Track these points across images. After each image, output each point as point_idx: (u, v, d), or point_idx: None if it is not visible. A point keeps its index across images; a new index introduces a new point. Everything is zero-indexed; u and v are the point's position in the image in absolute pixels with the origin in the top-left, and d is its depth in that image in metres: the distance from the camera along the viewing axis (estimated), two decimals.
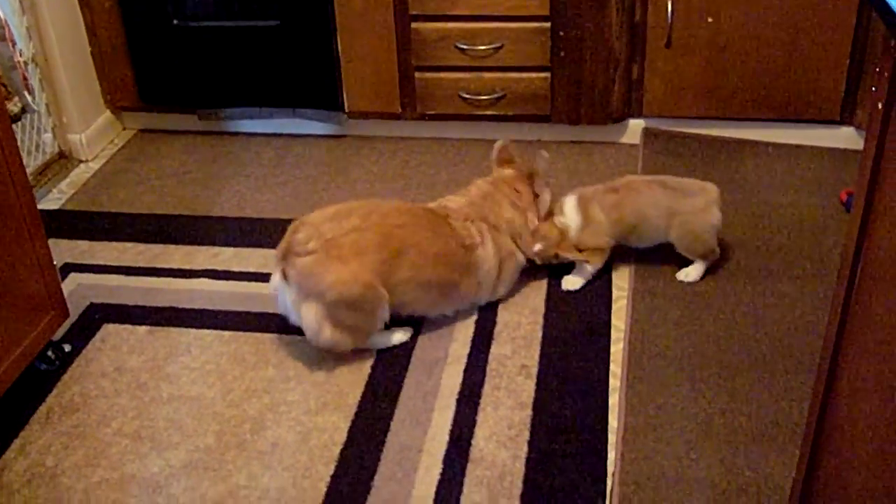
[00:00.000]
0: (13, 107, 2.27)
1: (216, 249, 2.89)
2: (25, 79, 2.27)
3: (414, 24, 3.17)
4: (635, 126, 3.32)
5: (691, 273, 2.61)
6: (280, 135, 3.56)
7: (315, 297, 2.25)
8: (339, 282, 2.22)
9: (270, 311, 2.59)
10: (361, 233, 2.28)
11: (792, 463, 1.98)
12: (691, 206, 2.55)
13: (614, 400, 2.23)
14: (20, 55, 2.22)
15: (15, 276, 2.21)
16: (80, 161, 3.46)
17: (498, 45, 3.14)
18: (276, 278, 2.32)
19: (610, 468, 2.04)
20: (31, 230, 2.26)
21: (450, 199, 2.58)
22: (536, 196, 2.60)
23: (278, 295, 2.34)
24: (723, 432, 2.09)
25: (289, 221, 2.94)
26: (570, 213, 2.59)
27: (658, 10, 3.05)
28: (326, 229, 2.26)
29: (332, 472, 2.07)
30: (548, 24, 3.10)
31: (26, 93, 2.28)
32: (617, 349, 2.39)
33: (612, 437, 2.13)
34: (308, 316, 2.27)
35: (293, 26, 3.25)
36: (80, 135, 3.44)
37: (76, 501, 2.05)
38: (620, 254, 2.74)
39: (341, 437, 2.16)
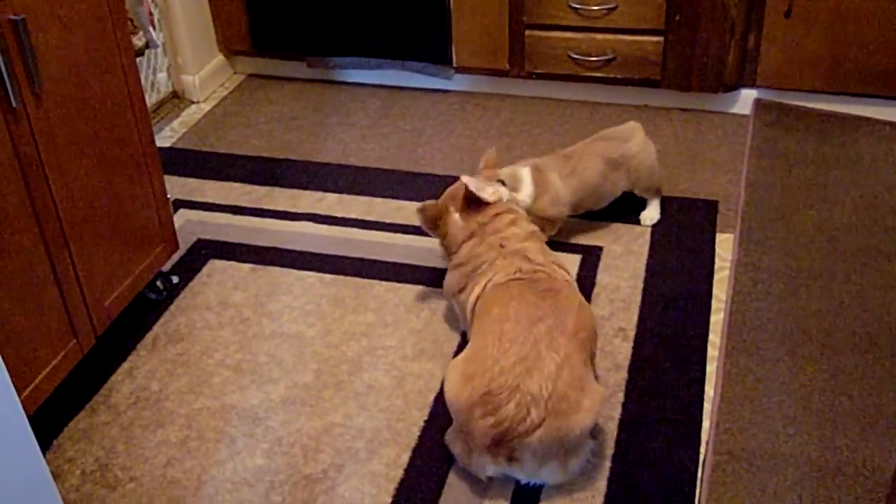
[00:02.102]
0: (137, 41, 2.33)
1: (320, 195, 2.94)
2: (151, 14, 2.33)
3: None
4: (747, 96, 3.24)
5: (652, 213, 2.74)
6: (387, 86, 3.58)
7: (561, 453, 1.88)
8: (583, 426, 1.86)
9: (371, 257, 2.63)
10: (568, 368, 1.86)
11: (893, 447, 1.94)
12: (637, 146, 2.67)
13: (712, 369, 2.21)
14: None
15: (132, 206, 2.29)
16: (192, 102, 3.55)
17: (612, 5, 3.10)
18: (491, 466, 1.89)
19: (704, 436, 2.03)
20: (149, 163, 2.34)
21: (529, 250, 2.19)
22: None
23: (491, 472, 1.93)
24: (822, 410, 2.06)
25: (393, 172, 3.01)
26: (525, 183, 2.51)
27: None
28: (534, 385, 1.82)
29: (425, 418, 2.11)
30: None
31: (151, 28, 2.34)
32: (717, 319, 2.37)
33: (707, 406, 2.11)
34: (554, 473, 1.90)
35: None
36: (194, 76, 3.51)
37: (178, 425, 2.13)
38: (723, 225, 2.71)
39: (436, 384, 2.19)
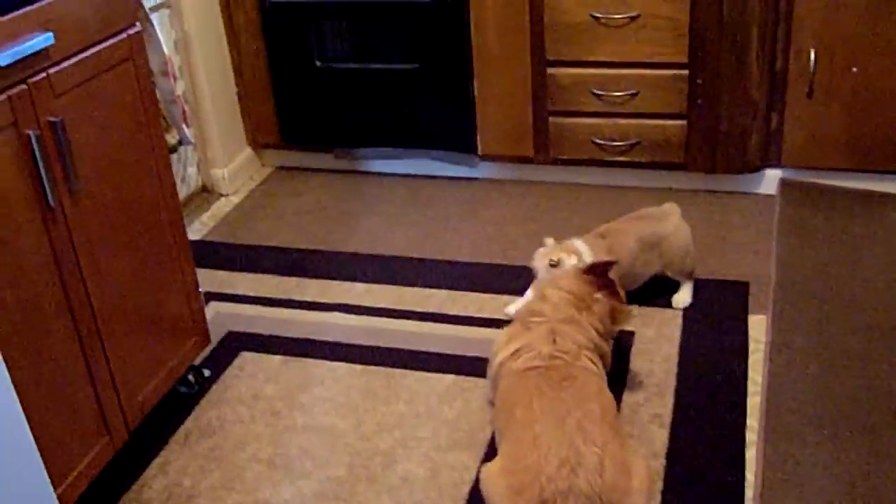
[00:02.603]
0: (171, 139, 2.39)
1: (349, 284, 2.96)
2: (184, 112, 2.39)
3: (550, 70, 3.20)
4: (772, 176, 3.25)
5: (684, 296, 2.73)
6: (413, 175, 3.63)
7: None
8: (642, 499, 1.85)
9: (401, 346, 2.63)
10: (609, 456, 1.84)
11: None
12: (672, 226, 2.69)
13: (751, 454, 2.17)
14: (180, 90, 2.33)
15: (164, 300, 2.31)
16: (222, 195, 3.60)
17: (634, 91, 3.14)
18: None
19: None
20: (182, 257, 2.36)
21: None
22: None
23: None
24: (867, 494, 2.01)
25: (421, 261, 3.03)
26: (586, 256, 2.55)
27: (800, 59, 3.00)
28: (584, 483, 1.80)
29: None
30: (686, 72, 3.08)
31: (185, 126, 2.39)
32: (753, 403, 2.33)
33: (748, 493, 2.07)
34: None
35: (432, 70, 3.32)
36: (223, 170, 3.58)
37: None
38: (755, 306, 2.69)
39: (471, 475, 2.17)
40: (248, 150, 3.74)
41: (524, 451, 1.88)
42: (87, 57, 1.95)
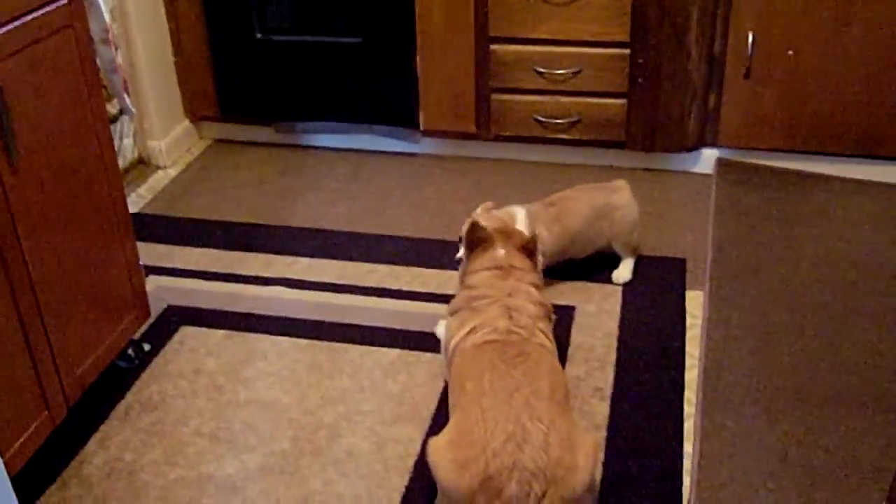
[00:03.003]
0: (111, 108, 2.34)
1: (291, 259, 2.94)
2: (125, 82, 2.34)
3: (493, 46, 3.21)
4: (709, 156, 3.32)
5: (624, 272, 2.77)
6: (354, 150, 3.61)
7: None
8: (584, 482, 1.85)
9: (345, 321, 2.63)
10: (555, 433, 1.86)
11: (873, 498, 1.96)
12: (623, 199, 2.75)
13: (689, 426, 2.23)
14: (120, 58, 2.28)
15: (105, 273, 2.27)
16: (159, 167, 3.54)
17: (576, 69, 3.17)
18: None
19: (685, 493, 2.04)
20: (123, 229, 2.33)
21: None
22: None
23: None
24: (800, 464, 2.08)
25: (363, 236, 3.03)
26: (520, 223, 2.58)
27: (738, 41, 3.06)
28: (528, 460, 1.82)
29: (406, 483, 2.09)
30: (627, 51, 3.12)
31: (126, 95, 2.34)
32: (691, 376, 2.39)
33: (686, 463, 2.12)
34: None
35: (375, 44, 3.30)
36: (160, 142, 3.52)
37: (153, 498, 2.09)
38: (692, 282, 2.75)
39: (415, 448, 2.18)
40: (186, 123, 3.68)
41: (471, 425, 1.90)
42: (26, 23, 1.90)
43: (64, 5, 2.01)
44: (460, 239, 2.47)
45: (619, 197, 2.74)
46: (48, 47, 1.97)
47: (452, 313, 2.26)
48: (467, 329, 2.14)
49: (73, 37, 2.05)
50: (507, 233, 2.35)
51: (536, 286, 2.26)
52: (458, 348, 2.13)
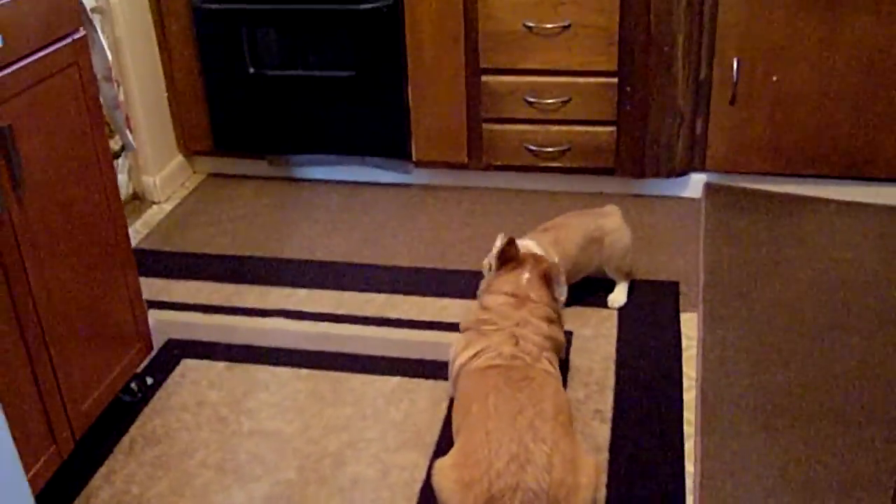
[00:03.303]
0: (113, 145, 2.37)
1: (289, 290, 2.97)
2: (128, 118, 2.37)
3: (484, 77, 3.27)
4: (697, 180, 3.38)
5: (619, 296, 2.81)
6: (347, 182, 3.65)
7: None
8: (589, 495, 1.92)
9: (345, 350, 2.65)
10: (558, 454, 1.90)
11: None
12: (614, 224, 2.79)
13: (690, 446, 2.26)
14: (122, 95, 2.32)
15: (109, 307, 2.29)
16: (153, 202, 3.57)
17: (566, 98, 3.23)
18: None
19: None
20: (125, 264, 2.35)
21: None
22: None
23: None
24: (800, 481, 2.11)
25: (359, 266, 3.06)
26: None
27: (724, 68, 3.12)
28: (531, 480, 1.85)
29: None
30: (615, 80, 3.18)
31: (128, 131, 2.38)
32: (690, 397, 2.43)
33: (689, 482, 2.15)
34: None
35: (367, 77, 3.35)
36: (155, 177, 3.54)
37: None
38: (686, 304, 2.79)
39: (420, 474, 2.20)
40: (180, 157, 3.72)
41: (475, 446, 1.93)
42: (33, 62, 1.93)
43: (69, 44, 2.04)
44: (489, 267, 2.51)
45: (610, 222, 2.79)
46: (54, 85, 2.01)
47: (463, 331, 2.31)
48: (473, 352, 2.17)
49: (78, 74, 2.08)
50: (537, 258, 2.41)
51: (550, 319, 2.31)
52: (463, 370, 2.16)
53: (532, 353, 2.16)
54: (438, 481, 1.96)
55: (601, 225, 2.76)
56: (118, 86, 2.24)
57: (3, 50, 1.84)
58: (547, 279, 2.38)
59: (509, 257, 2.40)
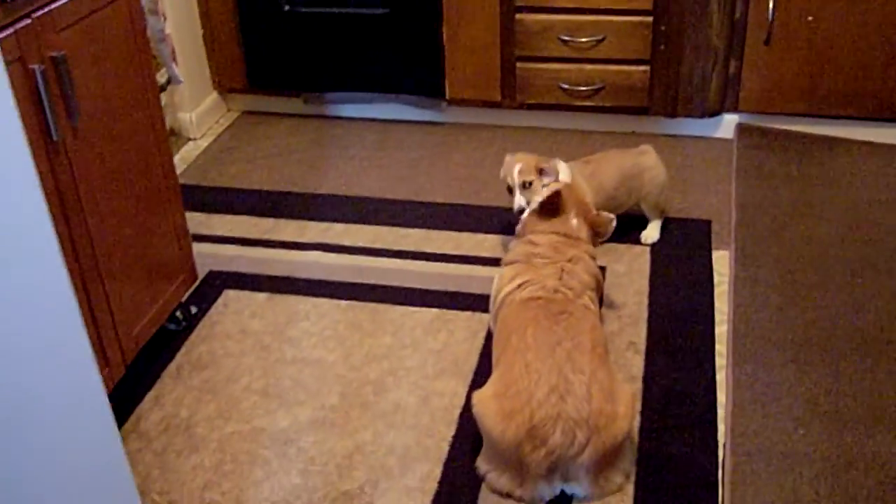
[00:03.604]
0: (160, 77, 2.41)
1: (326, 225, 3.02)
2: (173, 51, 2.41)
3: (518, 16, 3.28)
4: (730, 121, 3.39)
5: (653, 233, 2.87)
6: (381, 120, 3.68)
7: (612, 462, 2.01)
8: (624, 431, 1.99)
9: (383, 282, 2.72)
10: (596, 384, 1.97)
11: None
12: (651, 161, 2.85)
13: (721, 377, 2.32)
14: (169, 28, 2.35)
15: (157, 237, 2.36)
16: (189, 139, 3.62)
17: (600, 37, 3.24)
18: (548, 490, 1.99)
19: (721, 440, 2.13)
20: (171, 196, 2.41)
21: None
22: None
23: (548, 495, 2.02)
24: (829, 411, 2.17)
25: (395, 202, 3.11)
26: (564, 174, 2.68)
27: (759, 7, 3.12)
28: (572, 409, 1.93)
29: (453, 433, 2.18)
30: (650, 19, 3.19)
31: (174, 64, 2.42)
32: (721, 331, 2.48)
33: (720, 412, 2.21)
34: (611, 481, 2.02)
35: (401, 15, 3.37)
36: (190, 113, 3.59)
37: (211, 450, 2.18)
38: (717, 242, 2.83)
39: (460, 400, 2.27)
40: (214, 95, 3.76)
41: (515, 377, 2.00)
42: None
43: None
44: (509, 189, 2.61)
45: (647, 159, 2.84)
46: (105, 17, 2.05)
47: (508, 264, 2.36)
48: (518, 283, 2.23)
49: (127, 6, 2.12)
50: (581, 205, 2.45)
51: (593, 257, 2.38)
52: (506, 300, 2.22)
53: (575, 288, 2.21)
54: (480, 411, 2.02)
55: (638, 162, 2.81)
56: (164, 19, 2.27)
57: None
58: (594, 227, 2.42)
59: (556, 205, 2.44)
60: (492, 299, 2.37)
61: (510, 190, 2.65)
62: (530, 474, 1.95)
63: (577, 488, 2.00)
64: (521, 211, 2.57)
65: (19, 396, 1.40)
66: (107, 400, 1.61)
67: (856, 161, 3.19)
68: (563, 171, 2.66)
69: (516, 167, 2.62)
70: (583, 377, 1.97)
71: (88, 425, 1.59)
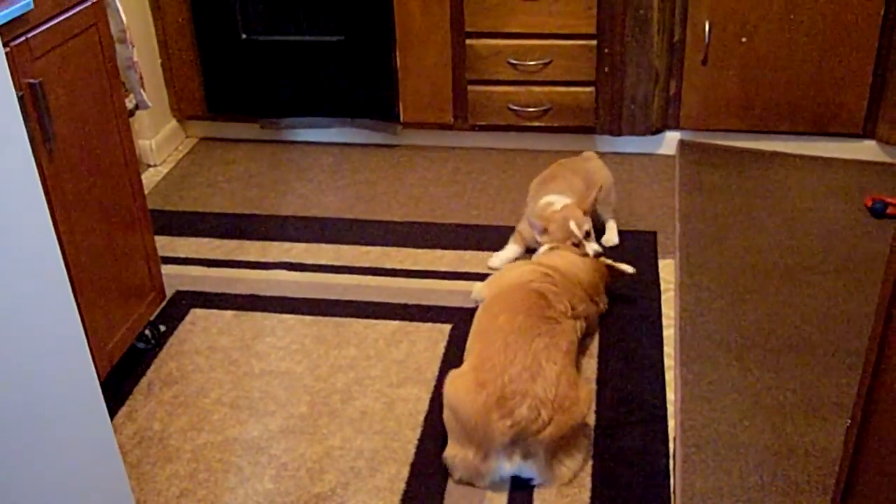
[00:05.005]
0: (128, 103, 2.50)
1: (288, 245, 3.12)
2: (141, 77, 2.51)
3: (469, 41, 3.42)
4: (672, 138, 3.57)
5: (613, 236, 3.06)
6: (338, 143, 3.80)
7: (568, 447, 2.15)
8: (584, 413, 2.15)
9: (346, 298, 2.82)
10: (565, 375, 2.15)
11: (835, 431, 2.20)
12: (599, 163, 3.10)
13: (670, 377, 2.46)
14: (136, 56, 2.45)
15: (128, 257, 2.44)
16: (149, 165, 3.69)
17: (547, 60, 3.39)
18: (507, 465, 2.12)
19: (671, 434, 2.26)
20: (141, 217, 2.49)
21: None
22: None
23: (506, 471, 2.15)
24: (771, 405, 2.32)
25: (354, 221, 3.22)
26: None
27: (696, 30, 3.30)
28: (540, 389, 2.09)
29: (418, 436, 2.29)
30: (594, 42, 3.35)
31: (142, 90, 2.51)
32: (669, 334, 2.62)
33: (670, 408, 2.35)
34: (565, 467, 2.16)
35: (356, 42, 3.50)
36: (150, 140, 3.67)
37: (185, 460, 2.26)
38: (663, 252, 2.98)
39: (423, 406, 2.38)
40: (173, 122, 3.84)
41: (493, 353, 2.17)
42: (58, 23, 2.07)
43: (88, 6, 2.18)
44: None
45: (595, 163, 3.06)
46: (77, 45, 2.14)
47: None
48: (542, 272, 2.49)
49: (97, 35, 2.22)
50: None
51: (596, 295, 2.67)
52: (519, 282, 2.46)
53: (575, 308, 2.43)
54: (452, 383, 2.16)
55: (589, 167, 3.03)
56: (132, 47, 2.37)
57: (33, 13, 1.97)
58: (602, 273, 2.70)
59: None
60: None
61: (578, 244, 2.78)
62: (494, 446, 2.08)
63: (533, 469, 2.12)
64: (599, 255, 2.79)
65: (20, 394, 1.49)
66: (100, 393, 1.71)
67: (790, 173, 3.38)
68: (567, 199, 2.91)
69: (571, 222, 2.78)
70: (554, 366, 2.15)
71: (84, 418, 1.68)
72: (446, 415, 2.16)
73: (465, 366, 2.21)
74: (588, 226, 2.79)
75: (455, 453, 2.14)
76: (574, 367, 2.25)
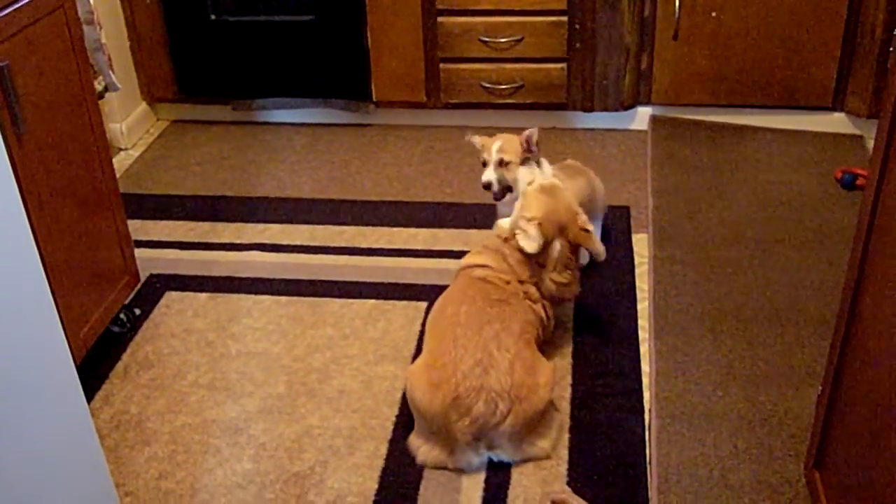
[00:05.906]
0: (98, 85, 2.48)
1: (263, 226, 3.11)
2: (110, 59, 2.48)
3: (440, 19, 3.41)
4: (644, 113, 3.58)
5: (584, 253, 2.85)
6: (311, 124, 3.78)
7: (534, 429, 2.15)
8: (544, 400, 2.14)
9: (321, 277, 2.82)
10: (519, 361, 2.12)
11: (807, 398, 2.24)
12: (592, 174, 2.84)
13: (645, 349, 2.48)
14: (104, 38, 2.43)
15: (101, 240, 2.42)
16: (120, 149, 3.67)
17: (518, 37, 3.39)
18: (475, 457, 2.13)
19: (647, 405, 2.29)
20: (113, 201, 2.48)
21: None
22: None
23: (476, 463, 2.15)
24: (744, 374, 2.35)
25: (329, 201, 3.21)
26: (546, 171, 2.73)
27: (666, 5, 3.31)
28: (494, 382, 2.07)
29: (396, 413, 2.30)
30: (565, 18, 3.36)
31: (111, 72, 2.49)
32: (643, 307, 2.64)
33: (645, 380, 2.37)
34: (534, 447, 2.15)
35: (327, 21, 3.48)
36: (121, 124, 3.64)
37: (163, 442, 2.26)
38: (637, 226, 3.00)
39: (401, 383, 2.39)
40: (143, 105, 3.81)
41: (444, 350, 2.14)
42: (24, 5, 2.04)
43: None
44: (483, 163, 2.64)
45: (589, 173, 2.83)
46: (44, 27, 2.12)
47: (483, 249, 2.42)
48: (479, 262, 2.35)
49: (64, 17, 2.19)
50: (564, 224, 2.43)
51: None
52: (462, 272, 2.37)
53: (527, 291, 2.32)
54: (411, 382, 2.16)
55: (587, 177, 2.82)
56: (100, 28, 2.35)
57: None
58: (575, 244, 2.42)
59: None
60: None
61: (484, 164, 2.64)
62: (458, 443, 2.09)
63: (502, 456, 2.13)
64: (488, 186, 2.61)
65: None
66: (77, 378, 1.70)
67: (761, 146, 3.41)
68: (546, 170, 2.70)
69: (497, 143, 2.63)
70: (507, 354, 2.12)
71: (61, 403, 1.68)
72: (410, 406, 2.18)
73: (420, 360, 2.21)
74: (509, 158, 2.61)
75: (419, 444, 2.16)
76: (531, 349, 2.20)
